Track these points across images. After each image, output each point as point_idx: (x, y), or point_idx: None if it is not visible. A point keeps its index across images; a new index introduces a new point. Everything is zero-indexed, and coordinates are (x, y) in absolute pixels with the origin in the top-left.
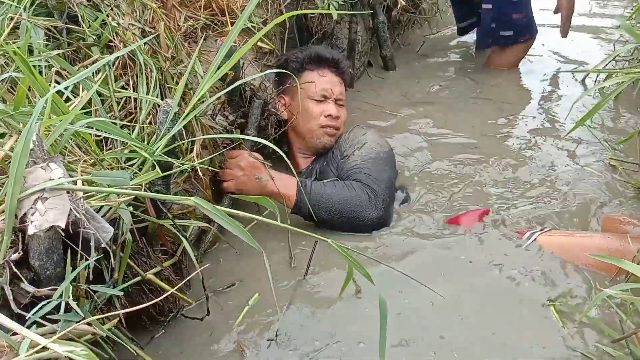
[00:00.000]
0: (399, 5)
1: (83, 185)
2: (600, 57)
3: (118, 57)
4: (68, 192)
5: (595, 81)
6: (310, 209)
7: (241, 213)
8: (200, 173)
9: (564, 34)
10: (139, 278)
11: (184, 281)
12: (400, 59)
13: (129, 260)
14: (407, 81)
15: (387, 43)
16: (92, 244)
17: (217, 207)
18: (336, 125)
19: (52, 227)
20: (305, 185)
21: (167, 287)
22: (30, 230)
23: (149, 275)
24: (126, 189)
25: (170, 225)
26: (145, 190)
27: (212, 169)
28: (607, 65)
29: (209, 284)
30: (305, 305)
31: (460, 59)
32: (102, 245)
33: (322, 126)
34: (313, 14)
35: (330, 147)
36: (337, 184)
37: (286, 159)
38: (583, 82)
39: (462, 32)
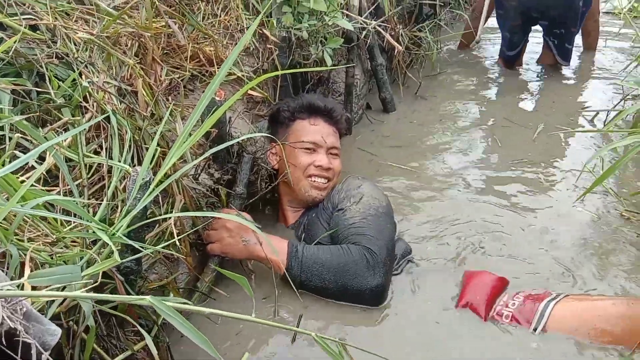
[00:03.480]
0: (397, 50)
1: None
2: (607, 95)
3: (90, 118)
4: (1, 298)
5: (605, 121)
6: (301, 277)
7: (207, 310)
8: (177, 243)
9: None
10: None
11: None
12: (400, 99)
13: (95, 345)
14: (406, 125)
15: (386, 85)
16: (34, 351)
17: (175, 305)
18: (326, 175)
19: None
20: (297, 250)
21: None
22: None
23: None
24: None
25: (140, 308)
26: (113, 270)
27: (193, 233)
28: (616, 105)
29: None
30: None
31: (461, 96)
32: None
33: (310, 175)
34: (307, 64)
35: (320, 200)
36: (332, 248)
37: (264, 236)
38: (592, 121)
39: (510, 60)
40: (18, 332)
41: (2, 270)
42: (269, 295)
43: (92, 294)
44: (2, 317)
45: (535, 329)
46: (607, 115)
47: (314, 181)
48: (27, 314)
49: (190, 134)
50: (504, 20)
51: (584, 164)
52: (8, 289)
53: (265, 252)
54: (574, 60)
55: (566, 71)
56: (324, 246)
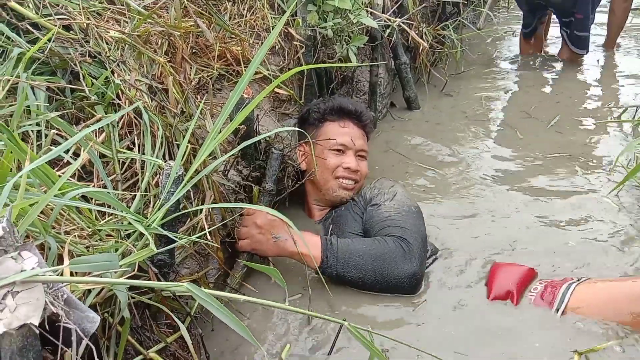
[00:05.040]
0: (421, 48)
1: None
2: (632, 90)
3: (123, 116)
4: (44, 284)
5: (634, 116)
6: (337, 269)
7: (242, 297)
8: (209, 237)
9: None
10: (140, 357)
11: None
12: (424, 98)
13: (129, 337)
14: (430, 123)
15: (409, 84)
16: (74, 337)
17: (211, 293)
18: (354, 177)
19: (24, 324)
20: (332, 242)
21: None
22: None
23: (151, 354)
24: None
25: (175, 299)
26: (145, 261)
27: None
28: None
29: (222, 344)
30: None
31: (486, 95)
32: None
33: (338, 177)
34: (332, 63)
35: (347, 201)
36: (367, 240)
37: (297, 230)
38: (620, 117)
39: (525, 35)
40: (60, 318)
41: None
42: (298, 293)
43: (130, 280)
44: (45, 302)
45: (557, 309)
46: (637, 111)
47: (342, 182)
48: (67, 300)
49: (220, 131)
50: (518, 2)
51: (616, 157)
52: (50, 275)
53: (299, 246)
54: (596, 56)
55: (589, 67)
56: (357, 238)
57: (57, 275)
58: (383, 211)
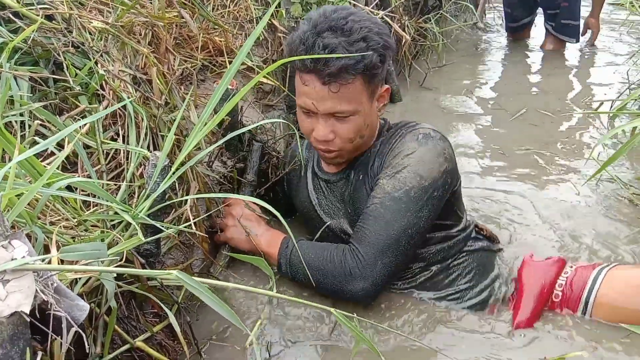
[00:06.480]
0: (404, 41)
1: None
2: (611, 83)
3: (107, 106)
4: (34, 272)
5: (610, 108)
6: (290, 274)
7: (229, 284)
8: (194, 227)
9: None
10: (127, 346)
11: None
12: (406, 90)
13: (116, 326)
14: (411, 114)
15: (391, 76)
16: (64, 325)
17: (200, 280)
18: (328, 148)
19: (15, 312)
20: (287, 246)
21: (157, 355)
22: None
23: (138, 342)
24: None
25: (161, 289)
26: (132, 251)
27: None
28: (621, 95)
29: (207, 333)
30: None
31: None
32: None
33: (315, 146)
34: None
35: (360, 155)
36: (320, 249)
37: (282, 220)
38: (598, 109)
39: (512, 31)
40: (49, 306)
41: None
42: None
43: (123, 269)
44: (36, 290)
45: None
46: (612, 105)
47: (323, 155)
48: (57, 289)
49: (205, 123)
50: None
51: (591, 150)
52: (40, 264)
53: (261, 246)
54: (576, 49)
55: (570, 58)
56: (316, 244)
57: (47, 264)
58: (372, 195)
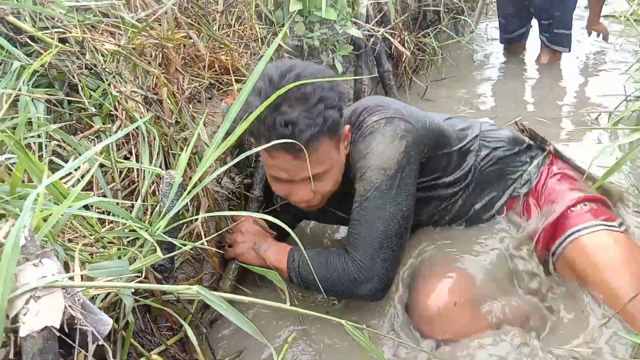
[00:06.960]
0: (404, 57)
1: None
2: (607, 95)
3: (120, 126)
4: (63, 289)
5: (609, 118)
6: (301, 284)
7: (246, 299)
8: (206, 243)
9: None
10: (143, 359)
11: None
12: (407, 103)
13: (132, 340)
14: None
15: (392, 90)
16: (90, 339)
17: (219, 294)
18: (310, 205)
19: (45, 327)
20: (293, 259)
21: None
22: (23, 332)
23: (154, 355)
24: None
25: (173, 304)
26: (148, 267)
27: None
28: (618, 106)
29: (218, 356)
30: None
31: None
32: (100, 342)
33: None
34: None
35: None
36: (323, 258)
37: (292, 233)
38: (596, 120)
39: (507, 42)
40: (76, 321)
41: None
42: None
43: (144, 285)
44: (64, 306)
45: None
46: (610, 116)
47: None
48: (83, 304)
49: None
50: (498, 7)
51: (589, 163)
52: (67, 281)
53: (270, 260)
54: (575, 59)
55: (566, 71)
56: (318, 253)
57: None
58: (354, 200)
